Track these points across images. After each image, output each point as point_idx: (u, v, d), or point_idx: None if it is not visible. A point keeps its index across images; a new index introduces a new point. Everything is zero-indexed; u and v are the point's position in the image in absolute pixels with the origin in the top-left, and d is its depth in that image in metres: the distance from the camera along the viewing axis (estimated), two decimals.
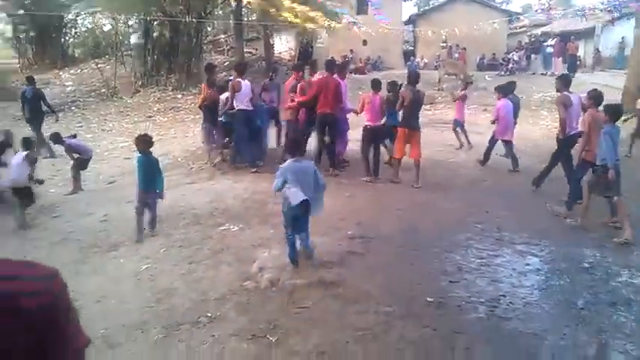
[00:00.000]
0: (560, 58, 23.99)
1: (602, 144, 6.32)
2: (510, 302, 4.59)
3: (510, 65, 25.77)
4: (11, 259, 1.05)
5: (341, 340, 4.01)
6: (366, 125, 8.89)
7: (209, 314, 4.25)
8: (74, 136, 9.92)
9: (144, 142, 6.60)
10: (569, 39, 24.17)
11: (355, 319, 4.33)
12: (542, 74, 24.08)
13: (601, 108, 6.93)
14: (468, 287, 4.92)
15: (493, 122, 10.05)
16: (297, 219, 5.22)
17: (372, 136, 8.87)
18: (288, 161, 5.44)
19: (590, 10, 19.64)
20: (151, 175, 6.56)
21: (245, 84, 9.27)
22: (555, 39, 24.95)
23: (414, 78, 8.74)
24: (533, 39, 29.72)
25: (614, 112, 6.55)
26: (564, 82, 8.01)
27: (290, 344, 3.97)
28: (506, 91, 10.21)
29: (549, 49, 24.85)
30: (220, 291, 4.88)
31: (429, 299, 4.65)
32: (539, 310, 4.48)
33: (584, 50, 26.27)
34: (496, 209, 7.33)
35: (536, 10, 24.41)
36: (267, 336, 4.08)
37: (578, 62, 24.18)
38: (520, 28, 33.16)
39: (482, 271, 5.29)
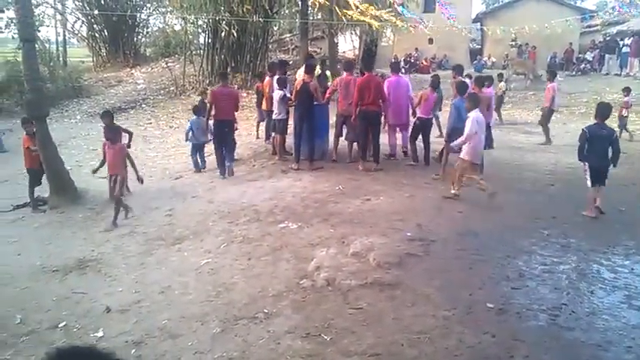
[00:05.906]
0: (637, 59, 22.82)
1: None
2: (573, 311, 4.42)
3: (583, 65, 24.78)
4: None
5: (396, 343, 3.97)
6: (420, 117, 9.81)
7: (266, 310, 4.30)
8: None
9: None
10: None
11: (412, 322, 4.28)
12: (616, 75, 23.00)
13: None
14: (529, 294, 4.78)
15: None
16: None
17: (423, 128, 9.91)
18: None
19: None
20: None
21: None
22: (632, 38, 23.71)
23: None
24: (607, 38, 28.41)
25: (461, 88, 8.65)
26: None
27: (344, 344, 3.97)
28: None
29: (626, 49, 23.63)
30: (277, 288, 4.95)
31: (489, 305, 4.54)
32: (603, 320, 4.29)
33: None
34: (563, 214, 7.06)
35: (612, 8, 23.23)
36: (322, 335, 4.10)
37: None
38: (594, 26, 31.79)
39: (545, 278, 5.12)
